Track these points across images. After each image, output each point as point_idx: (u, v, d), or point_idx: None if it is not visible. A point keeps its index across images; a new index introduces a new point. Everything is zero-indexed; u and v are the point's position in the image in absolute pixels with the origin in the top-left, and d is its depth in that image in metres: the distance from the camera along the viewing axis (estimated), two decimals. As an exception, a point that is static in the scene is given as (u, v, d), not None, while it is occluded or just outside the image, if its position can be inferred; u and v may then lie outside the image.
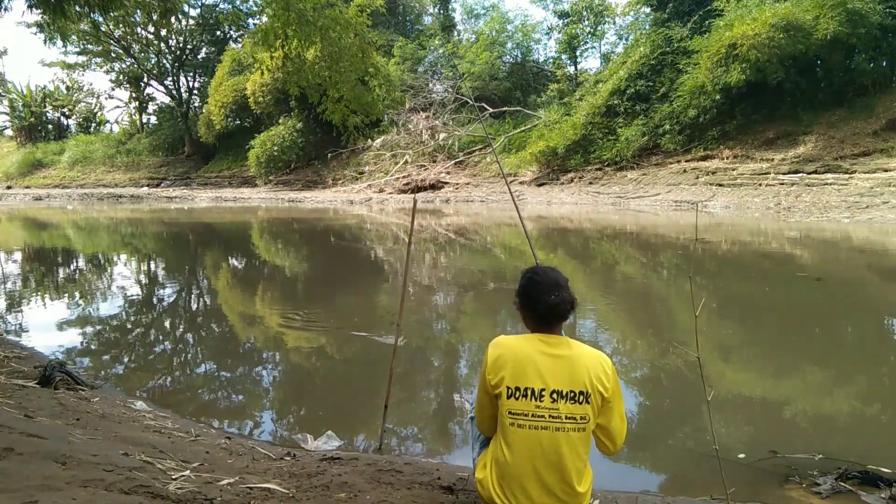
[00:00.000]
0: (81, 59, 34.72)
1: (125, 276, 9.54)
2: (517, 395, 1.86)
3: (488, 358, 1.92)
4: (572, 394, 1.85)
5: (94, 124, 43.39)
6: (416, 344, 5.01)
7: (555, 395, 1.85)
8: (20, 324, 6.08)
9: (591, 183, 20.26)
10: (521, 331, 2.03)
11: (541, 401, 1.84)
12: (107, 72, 36.26)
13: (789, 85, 16.82)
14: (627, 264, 9.35)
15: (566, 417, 1.85)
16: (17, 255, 11.96)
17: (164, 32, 31.80)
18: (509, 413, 1.86)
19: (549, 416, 1.84)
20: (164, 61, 35.29)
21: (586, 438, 1.89)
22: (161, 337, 5.45)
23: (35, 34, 30.41)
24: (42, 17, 9.09)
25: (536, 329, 1.96)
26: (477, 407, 2.03)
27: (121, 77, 36.55)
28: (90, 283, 8.71)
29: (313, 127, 27.67)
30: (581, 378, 1.86)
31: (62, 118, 43.09)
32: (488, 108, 26.05)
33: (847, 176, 14.54)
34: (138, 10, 9.13)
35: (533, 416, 1.85)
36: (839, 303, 6.34)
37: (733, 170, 17.11)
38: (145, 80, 37.01)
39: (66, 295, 7.67)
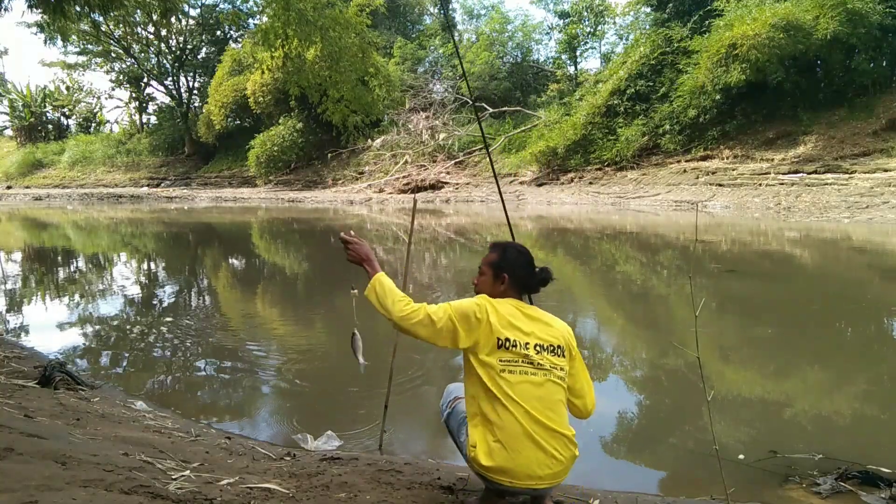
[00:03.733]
0: (81, 59, 34.74)
1: (125, 276, 9.54)
2: (507, 346, 1.99)
3: (487, 307, 2.04)
4: (551, 347, 2.03)
5: (94, 124, 43.39)
6: (417, 344, 5.01)
7: (538, 348, 2.02)
8: (20, 324, 6.08)
9: (591, 183, 20.26)
10: None
11: (527, 350, 2.00)
12: (107, 72, 36.29)
13: (789, 85, 16.81)
14: (627, 264, 9.35)
15: (550, 366, 2.00)
16: (17, 255, 11.96)
17: (164, 32, 31.82)
18: (500, 361, 1.97)
19: (537, 363, 1.99)
20: (164, 61, 35.28)
21: (566, 393, 2.06)
22: (161, 337, 5.45)
23: (35, 34, 30.37)
24: (42, 17, 9.09)
25: (510, 296, 2.14)
26: (436, 321, 2.02)
27: (121, 77, 36.56)
28: (90, 283, 8.71)
29: (313, 127, 27.67)
30: (556, 334, 2.07)
31: (62, 118, 43.09)
32: (488, 107, 26.04)
33: (847, 176, 14.54)
34: (138, 10, 9.13)
35: (523, 362, 1.98)
36: (839, 303, 6.34)
37: (733, 170, 17.11)
38: (145, 80, 37.01)
39: (66, 295, 7.66)
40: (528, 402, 1.94)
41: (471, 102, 25.15)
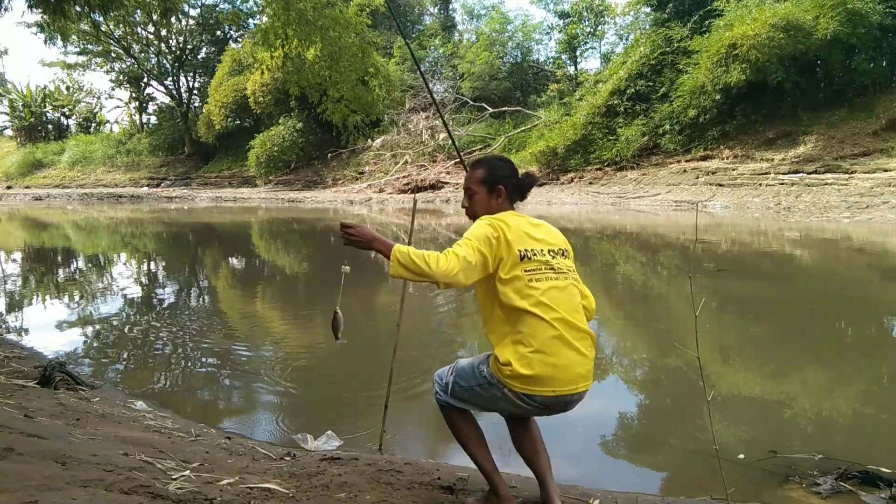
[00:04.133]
0: (81, 59, 34.76)
1: (125, 276, 9.54)
2: (529, 256, 1.98)
3: (499, 224, 1.99)
4: (561, 251, 2.07)
5: (94, 124, 43.39)
6: (417, 344, 5.01)
7: (552, 253, 2.04)
8: (20, 324, 6.08)
9: (591, 183, 20.26)
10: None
11: (545, 256, 2.01)
12: (107, 72, 36.31)
13: (789, 85, 16.81)
14: (627, 264, 9.35)
15: (566, 269, 2.04)
16: (17, 255, 11.96)
17: (164, 32, 31.83)
18: (525, 272, 1.96)
19: (557, 268, 2.01)
20: (164, 61, 35.29)
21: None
22: (161, 337, 5.45)
23: (35, 34, 30.43)
24: (42, 17, 9.09)
25: (507, 208, 2.13)
26: (471, 260, 1.89)
27: (121, 77, 36.57)
28: (90, 283, 8.71)
29: (313, 127, 27.67)
30: (559, 238, 2.11)
31: (62, 118, 43.10)
32: (488, 107, 26.04)
33: (847, 176, 14.54)
34: (138, 10, 9.13)
35: (545, 269, 1.98)
36: (839, 303, 6.34)
37: (733, 170, 17.11)
38: (145, 80, 37.01)
39: (66, 295, 7.66)
40: (559, 305, 1.94)
41: (470, 102, 25.17)
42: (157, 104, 39.55)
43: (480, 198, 2.14)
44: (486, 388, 2.01)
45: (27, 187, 35.78)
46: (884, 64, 16.85)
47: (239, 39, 34.09)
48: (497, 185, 2.12)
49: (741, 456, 2.89)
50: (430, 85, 28.10)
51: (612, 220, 15.25)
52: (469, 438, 2.11)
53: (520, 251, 1.96)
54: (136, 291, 8.01)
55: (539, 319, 1.91)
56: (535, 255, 1.98)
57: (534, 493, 2.30)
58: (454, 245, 1.93)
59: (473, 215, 2.15)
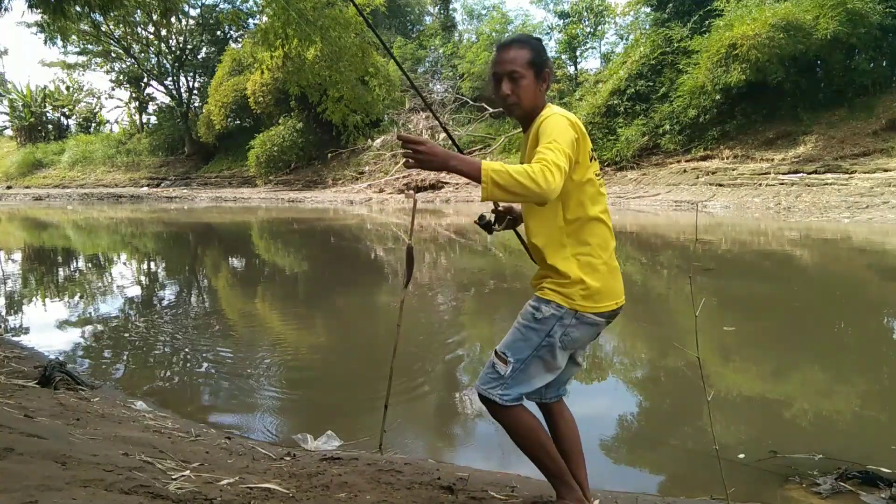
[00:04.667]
0: (81, 59, 34.73)
1: (125, 276, 9.54)
2: (594, 157, 1.82)
3: (576, 128, 1.72)
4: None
5: (94, 124, 43.38)
6: (417, 343, 5.01)
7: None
8: (20, 324, 6.08)
9: (591, 183, 20.25)
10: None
11: (596, 157, 1.86)
12: (107, 72, 36.28)
13: (789, 85, 16.82)
14: (627, 264, 9.34)
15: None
16: (17, 255, 11.96)
17: (164, 32, 31.82)
18: (595, 175, 1.82)
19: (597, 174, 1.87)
20: (164, 61, 35.26)
21: None
22: (161, 337, 5.45)
23: (35, 34, 30.39)
24: (42, 17, 9.10)
25: (546, 100, 1.86)
26: (566, 169, 1.61)
27: (121, 77, 36.55)
28: (90, 283, 8.71)
29: (313, 127, 27.67)
30: None
31: (62, 118, 43.09)
32: (489, 107, 26.02)
33: (847, 176, 14.54)
34: (138, 10, 9.13)
35: (601, 173, 1.87)
36: (839, 303, 6.34)
37: (733, 170, 17.11)
38: (145, 80, 36.98)
39: (66, 295, 7.66)
40: (608, 213, 1.83)
41: (470, 102, 25.15)
42: (157, 104, 39.57)
43: (528, 84, 1.76)
44: (556, 330, 1.75)
45: (27, 187, 35.77)
46: (884, 64, 16.86)
47: (239, 39, 34.10)
48: (545, 69, 1.78)
49: (741, 456, 2.89)
50: (430, 85, 28.15)
51: (612, 219, 15.22)
52: (540, 433, 1.85)
53: (590, 152, 1.76)
54: (136, 291, 8.01)
55: (607, 228, 1.80)
56: (595, 156, 1.78)
57: (533, 493, 2.30)
58: (544, 152, 1.59)
59: (517, 107, 1.80)
